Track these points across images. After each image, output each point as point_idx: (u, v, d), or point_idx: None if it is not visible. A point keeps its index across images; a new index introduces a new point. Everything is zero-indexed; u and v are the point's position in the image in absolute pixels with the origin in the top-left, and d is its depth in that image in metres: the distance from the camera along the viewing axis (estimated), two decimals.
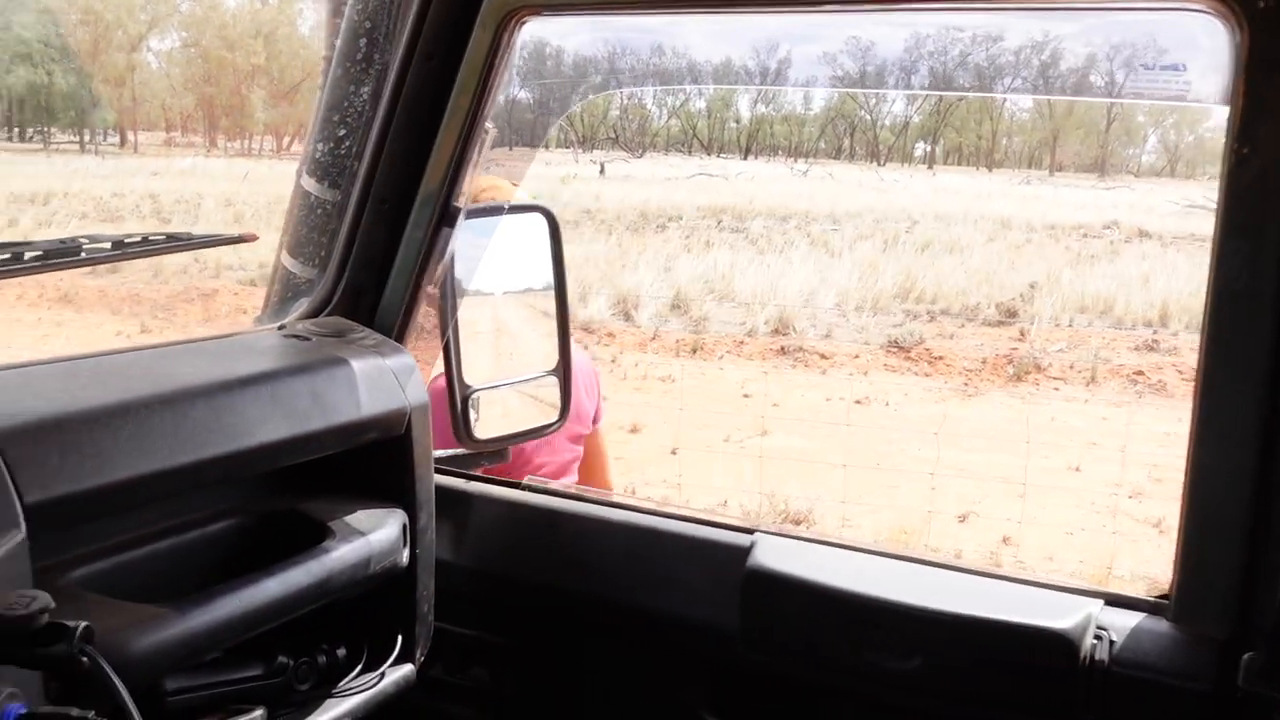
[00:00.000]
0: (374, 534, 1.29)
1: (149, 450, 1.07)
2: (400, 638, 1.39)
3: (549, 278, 1.77)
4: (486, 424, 1.71)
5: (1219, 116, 1.13)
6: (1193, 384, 1.19)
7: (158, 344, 1.33)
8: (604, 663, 1.62)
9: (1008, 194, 30.70)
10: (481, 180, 2.29)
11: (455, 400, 1.64)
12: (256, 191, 22.21)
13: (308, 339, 1.42)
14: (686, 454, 7.13)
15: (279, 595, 1.15)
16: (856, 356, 10.67)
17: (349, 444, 1.32)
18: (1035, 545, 5.98)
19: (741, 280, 13.82)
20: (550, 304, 1.79)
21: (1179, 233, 20.42)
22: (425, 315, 1.62)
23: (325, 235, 1.56)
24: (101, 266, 1.46)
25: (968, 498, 6.55)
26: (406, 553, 1.36)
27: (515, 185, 2.14)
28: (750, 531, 1.47)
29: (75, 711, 0.84)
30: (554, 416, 1.79)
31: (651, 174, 32.40)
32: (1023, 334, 11.58)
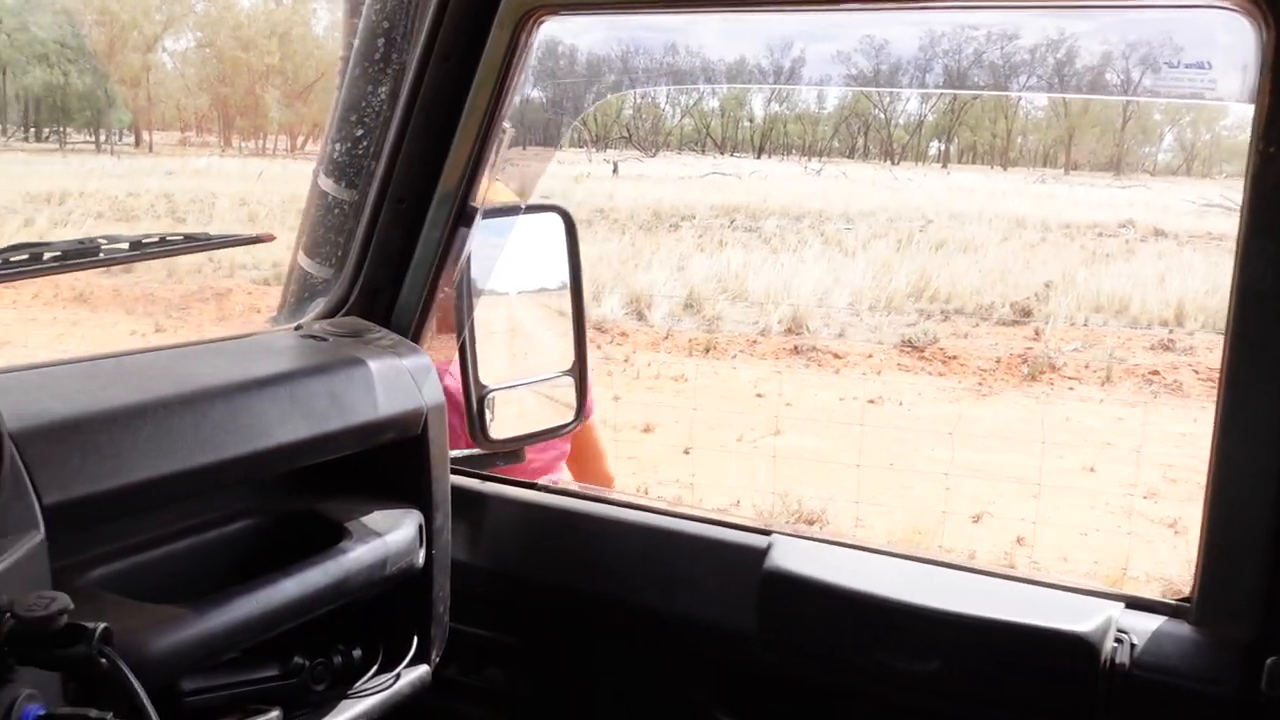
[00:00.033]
0: (390, 535, 1.29)
1: (168, 451, 1.07)
2: (416, 638, 1.39)
3: (565, 277, 1.77)
4: (501, 424, 1.71)
5: (1236, 114, 1.11)
6: (1215, 384, 1.18)
7: (176, 344, 1.33)
8: (619, 664, 1.61)
9: (1022, 193, 30.55)
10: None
11: (471, 400, 1.63)
12: (270, 191, 22.28)
13: (325, 339, 1.42)
14: (699, 454, 7.13)
15: (296, 596, 1.15)
16: (870, 356, 10.64)
17: (366, 444, 1.32)
18: (1049, 546, 5.95)
19: (755, 279, 13.79)
20: (566, 304, 1.79)
21: (1195, 231, 20.29)
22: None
23: (342, 235, 1.56)
24: (116, 266, 1.46)
25: (982, 498, 6.52)
26: (422, 553, 1.36)
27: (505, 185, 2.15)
28: (766, 533, 1.47)
29: (94, 713, 0.84)
30: (569, 417, 1.79)
31: (665, 173, 32.38)
32: (1037, 333, 11.52)
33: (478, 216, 1.54)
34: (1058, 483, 6.49)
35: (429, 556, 1.38)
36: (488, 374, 1.67)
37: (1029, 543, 5.99)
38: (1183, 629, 1.23)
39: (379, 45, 1.50)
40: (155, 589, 1.11)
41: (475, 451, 1.72)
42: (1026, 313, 12.41)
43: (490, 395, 1.68)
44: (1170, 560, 5.80)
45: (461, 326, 1.62)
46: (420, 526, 1.35)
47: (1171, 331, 11.84)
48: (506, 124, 1.52)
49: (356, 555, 1.23)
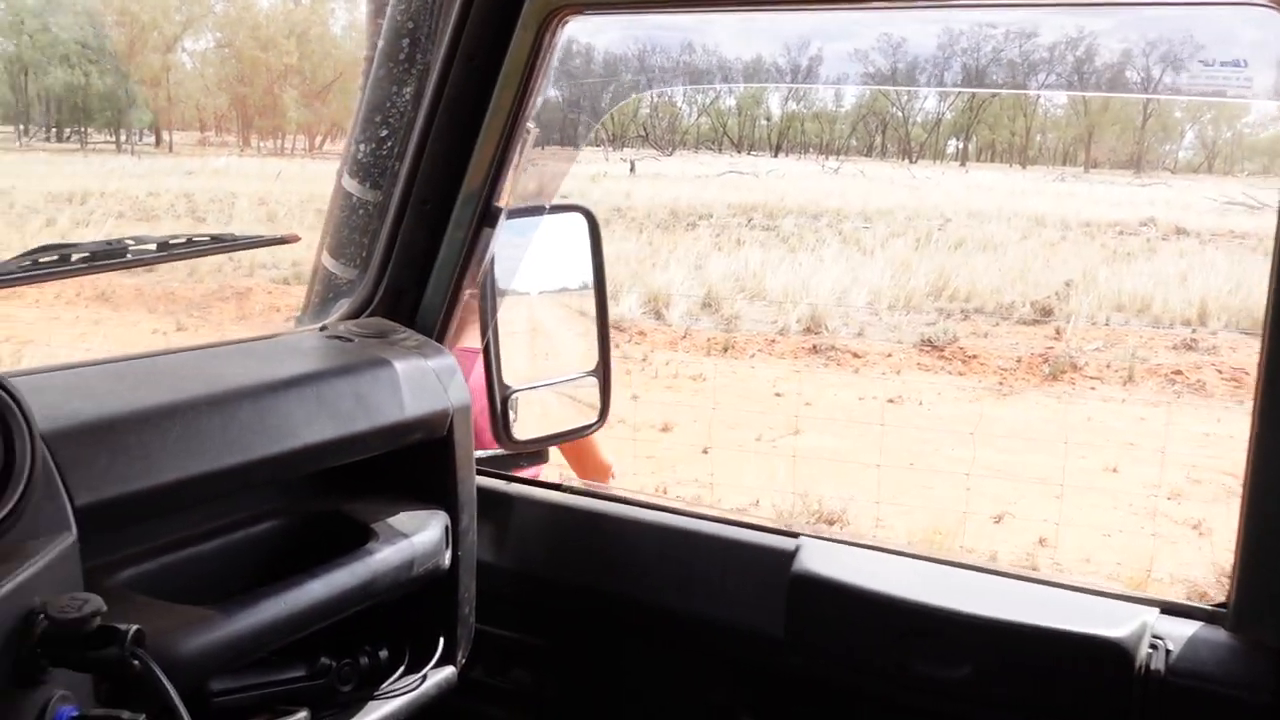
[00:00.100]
0: (417, 536, 1.29)
1: (197, 452, 1.08)
2: (442, 640, 1.39)
3: (588, 278, 1.77)
4: (524, 424, 1.70)
5: (1258, 111, 1.09)
6: (1238, 383, 1.16)
7: (204, 345, 1.33)
8: (644, 665, 1.61)
9: (1042, 191, 30.36)
10: None
11: (495, 401, 1.63)
12: (289, 190, 22.39)
13: (350, 340, 1.42)
14: (718, 453, 7.11)
15: (323, 597, 1.15)
16: (889, 355, 10.59)
17: (392, 445, 1.32)
18: (1072, 547, 5.91)
19: (772, 278, 13.75)
20: (589, 304, 1.78)
21: (1217, 230, 20.11)
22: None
23: (366, 236, 1.56)
24: (142, 267, 1.46)
25: (1003, 498, 6.48)
26: (448, 555, 1.36)
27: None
28: (794, 535, 1.46)
29: (126, 714, 0.85)
30: (593, 417, 1.78)
31: (682, 172, 32.34)
32: (1058, 333, 11.45)
33: (502, 217, 1.53)
34: (1080, 483, 6.45)
35: (455, 558, 1.38)
36: (511, 374, 1.66)
37: (1051, 544, 5.95)
38: (1219, 635, 1.21)
39: (403, 46, 1.50)
40: (183, 589, 1.11)
41: (498, 452, 1.72)
42: (1047, 312, 12.33)
43: (514, 396, 1.68)
44: (1195, 562, 5.75)
45: (486, 327, 1.62)
46: (446, 528, 1.35)
47: (1194, 331, 11.73)
48: (531, 124, 1.51)
49: (383, 556, 1.23)
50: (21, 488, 0.87)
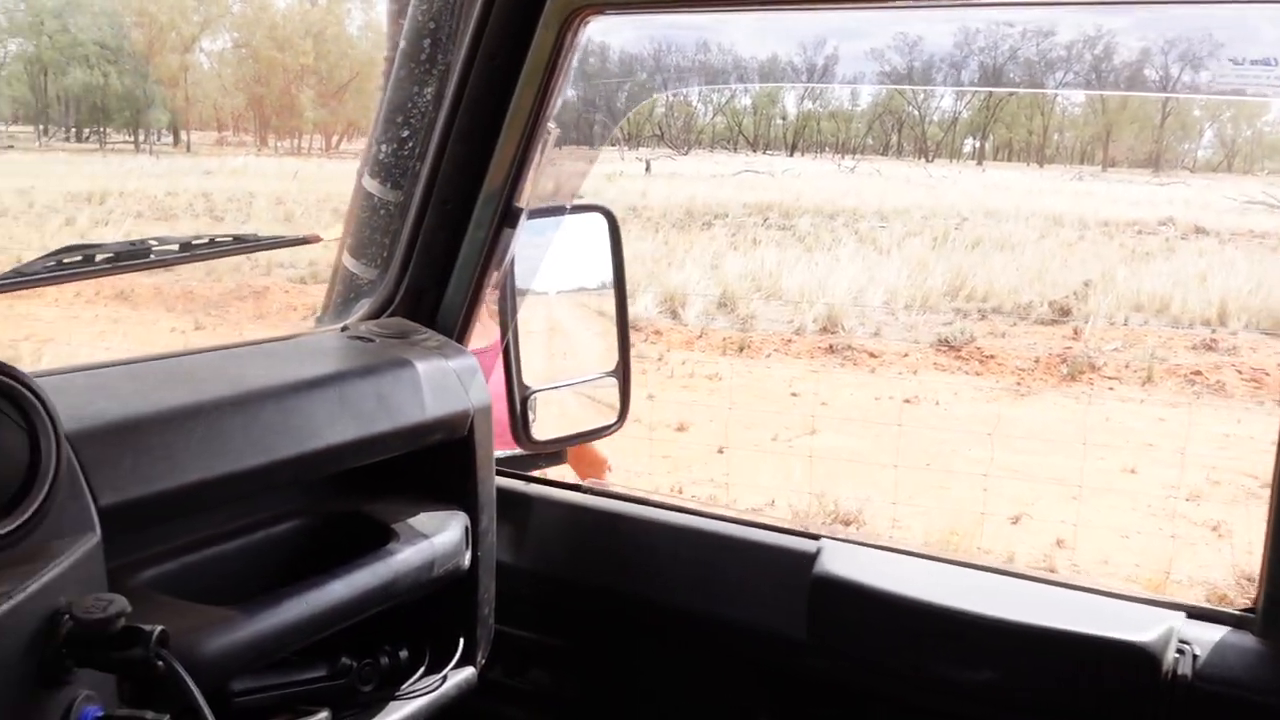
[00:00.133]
0: (437, 537, 1.29)
1: (220, 452, 1.08)
2: (462, 640, 1.39)
3: (608, 278, 1.76)
4: (543, 425, 1.70)
5: (1277, 109, 1.07)
6: (1259, 384, 1.15)
7: (226, 345, 1.33)
8: (663, 667, 1.60)
9: (1059, 190, 30.19)
10: None
11: (515, 401, 1.63)
12: (306, 190, 22.47)
13: (371, 340, 1.42)
14: (734, 453, 7.10)
15: (345, 598, 1.15)
16: (906, 355, 10.55)
17: (413, 446, 1.32)
18: (1090, 548, 5.87)
19: (789, 278, 13.72)
20: (609, 304, 1.78)
21: (1237, 229, 19.96)
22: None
23: (387, 236, 1.56)
24: (166, 268, 1.47)
25: (1020, 499, 6.45)
26: (469, 555, 1.36)
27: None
28: (815, 538, 1.45)
29: (150, 715, 0.85)
30: (612, 418, 1.78)
31: (697, 171, 32.30)
32: (1076, 332, 11.38)
33: (522, 217, 1.53)
34: (1098, 484, 6.41)
35: (474, 558, 1.38)
36: (531, 375, 1.66)
37: (1069, 545, 5.91)
38: (1246, 640, 1.20)
39: (424, 46, 1.50)
40: (205, 589, 1.11)
41: (517, 452, 1.72)
42: (1065, 312, 12.26)
43: (533, 396, 1.67)
44: (1214, 564, 5.71)
45: (505, 327, 1.62)
46: (466, 528, 1.35)
47: (1214, 331, 11.64)
48: (551, 124, 1.51)
49: (404, 557, 1.23)
50: (47, 488, 0.88)
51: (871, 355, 10.53)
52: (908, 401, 8.75)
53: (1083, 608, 1.28)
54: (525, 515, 1.65)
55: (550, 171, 1.58)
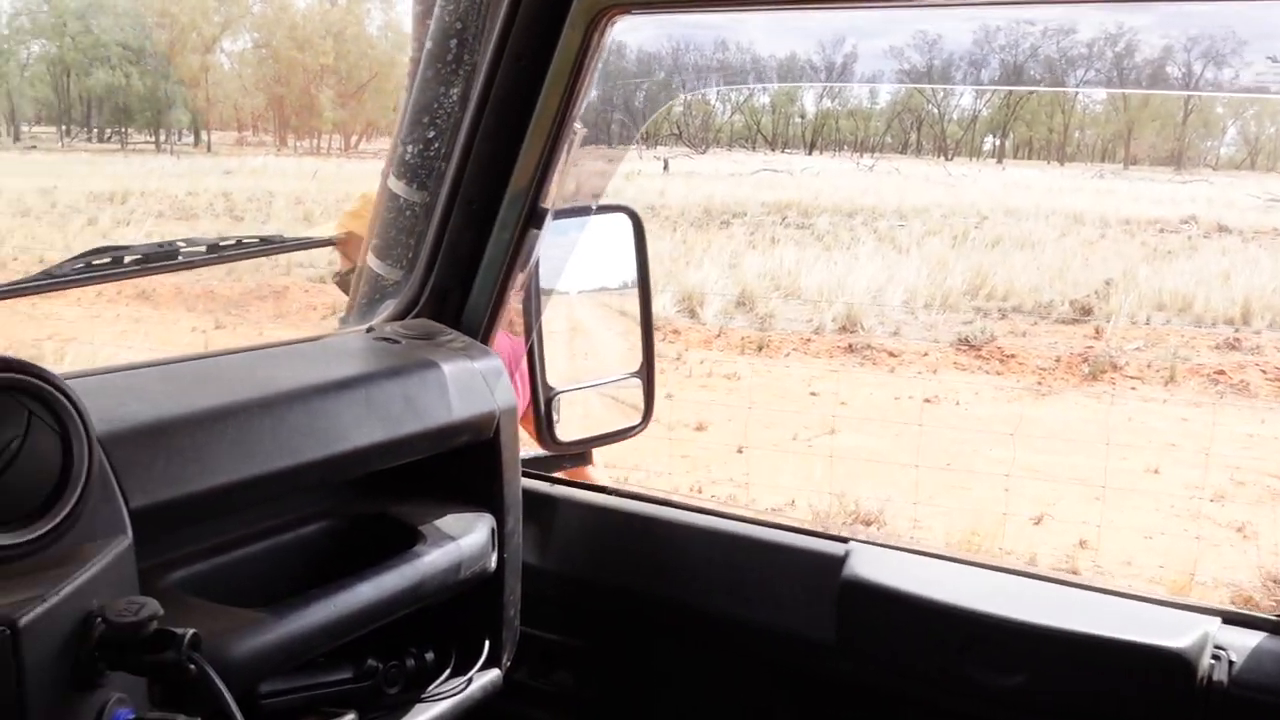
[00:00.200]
0: (464, 539, 1.28)
1: (249, 454, 1.08)
2: (487, 642, 1.38)
3: (632, 278, 1.76)
4: (567, 426, 1.70)
5: None
6: None
7: (253, 347, 1.33)
8: (689, 669, 1.60)
9: (1080, 188, 30.00)
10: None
11: (539, 402, 1.63)
12: (325, 190, 22.57)
13: (397, 342, 1.42)
14: (753, 453, 7.08)
15: (373, 600, 1.15)
16: (925, 354, 10.50)
17: (440, 448, 1.31)
18: (1113, 549, 5.83)
19: (807, 277, 13.69)
20: (633, 304, 1.77)
21: (1260, 227, 19.78)
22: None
23: (412, 237, 1.56)
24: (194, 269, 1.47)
25: (1042, 500, 6.41)
26: (495, 557, 1.35)
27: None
28: (844, 540, 1.44)
29: (181, 718, 0.85)
30: (636, 419, 1.77)
31: (715, 170, 32.28)
32: (1098, 332, 11.30)
33: (548, 217, 1.53)
34: (1121, 485, 6.36)
35: (500, 560, 1.37)
36: (555, 376, 1.66)
37: (1092, 546, 5.87)
38: None
39: (450, 46, 1.49)
40: (233, 591, 1.11)
41: (540, 453, 1.71)
42: (1086, 311, 12.17)
43: (557, 397, 1.67)
44: (1239, 565, 5.65)
45: (530, 328, 1.61)
46: (493, 530, 1.34)
47: (1238, 330, 11.54)
48: (578, 124, 1.50)
49: (431, 559, 1.23)
50: (79, 491, 0.88)
51: (891, 355, 10.48)
52: (928, 401, 8.71)
53: (1115, 612, 1.26)
54: (550, 517, 1.65)
55: (574, 172, 1.58)
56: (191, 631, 0.83)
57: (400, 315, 1.54)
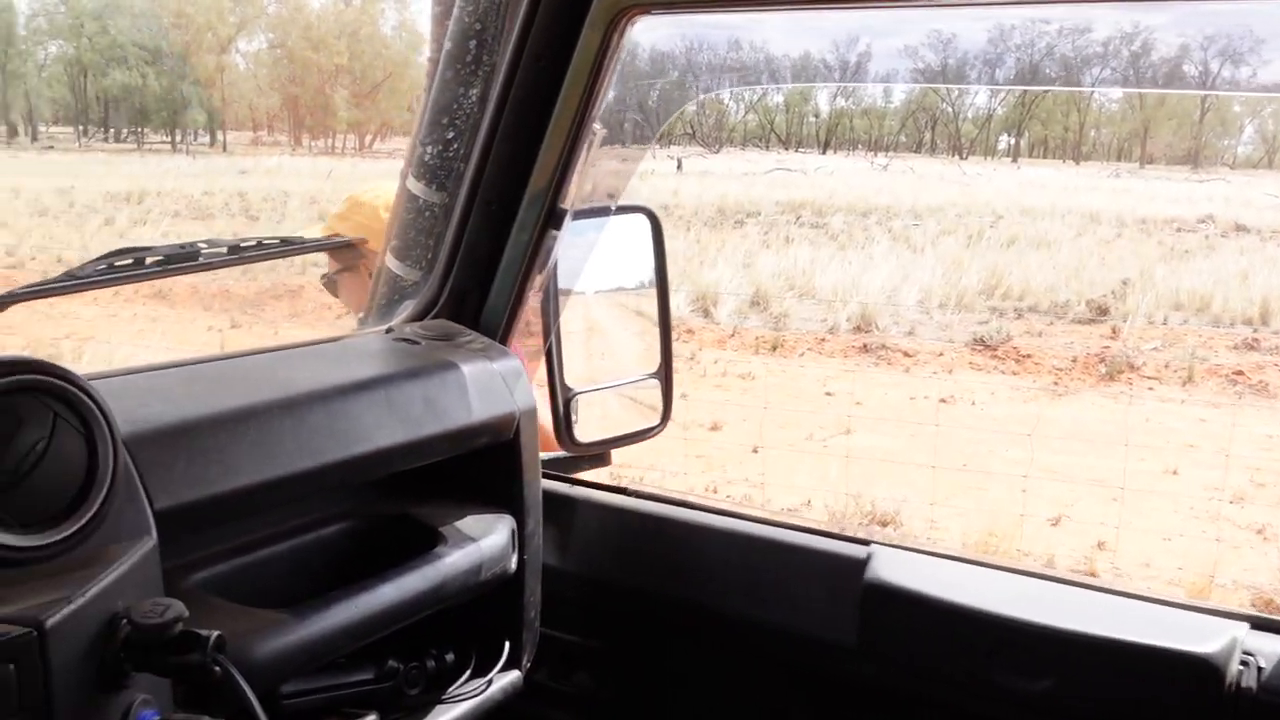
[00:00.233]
0: (485, 540, 1.28)
1: (271, 456, 1.08)
2: (507, 644, 1.38)
3: (650, 279, 1.75)
4: (585, 427, 1.69)
5: None
6: None
7: (273, 348, 1.33)
8: (709, 672, 1.59)
9: (1096, 187, 29.87)
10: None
11: (558, 403, 1.62)
12: (340, 189, 22.64)
13: (417, 343, 1.42)
14: (768, 453, 7.07)
15: (394, 601, 1.15)
16: (941, 354, 10.47)
17: (460, 449, 1.31)
18: (1131, 551, 5.80)
19: (822, 276, 13.66)
20: (651, 305, 1.77)
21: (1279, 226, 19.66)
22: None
23: (431, 238, 1.56)
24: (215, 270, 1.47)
25: (1059, 501, 6.37)
26: (515, 559, 1.35)
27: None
28: (865, 543, 1.43)
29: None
30: (654, 420, 1.77)
31: (729, 169, 32.27)
32: (1115, 332, 11.24)
33: (567, 218, 1.52)
34: (1139, 486, 6.33)
35: (520, 561, 1.37)
36: (574, 376, 1.65)
37: (1110, 548, 5.84)
38: None
39: (470, 47, 1.49)
40: (254, 591, 1.11)
41: (559, 454, 1.71)
42: (1103, 310, 12.11)
43: (575, 398, 1.66)
44: (1259, 568, 5.61)
45: (548, 329, 1.61)
46: (513, 531, 1.34)
47: (1256, 330, 11.46)
48: (597, 125, 1.50)
49: (452, 561, 1.22)
50: (104, 492, 0.88)
51: (906, 355, 10.45)
52: (943, 401, 8.68)
53: (1141, 617, 1.25)
54: (569, 518, 1.64)
55: (592, 172, 1.57)
56: (216, 634, 0.83)
57: (419, 316, 1.54)
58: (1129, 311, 11.96)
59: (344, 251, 2.36)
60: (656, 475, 6.20)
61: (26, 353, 0.90)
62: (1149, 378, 9.73)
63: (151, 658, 0.83)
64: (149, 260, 1.23)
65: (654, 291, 1.77)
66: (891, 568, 1.38)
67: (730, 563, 1.52)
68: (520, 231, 1.51)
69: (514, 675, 1.39)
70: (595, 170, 1.58)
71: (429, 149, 1.55)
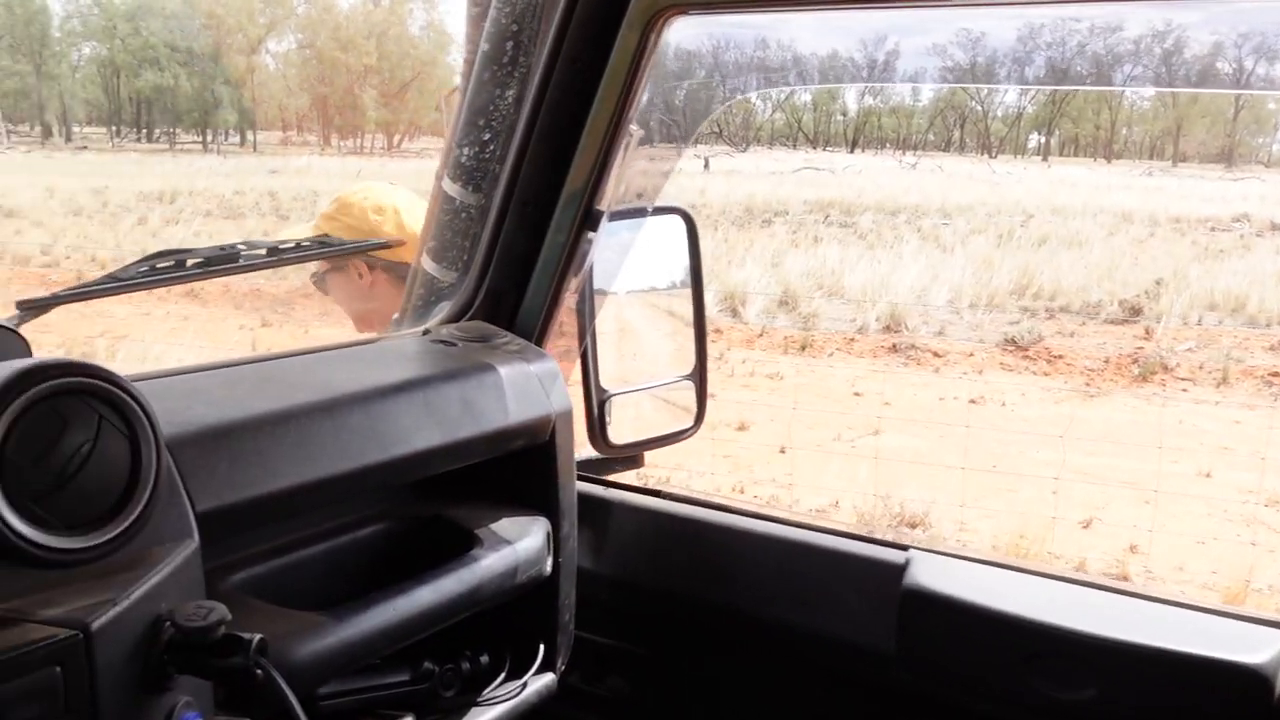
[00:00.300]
0: (521, 543, 1.28)
1: (310, 458, 1.08)
2: (542, 647, 1.38)
3: (685, 280, 1.75)
4: (619, 428, 1.69)
5: None
6: None
7: (311, 349, 1.34)
8: (743, 676, 1.58)
9: (1129, 186, 29.56)
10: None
11: (592, 405, 1.62)
12: None
13: (454, 344, 1.42)
14: (796, 453, 7.04)
15: (432, 604, 1.15)
16: (971, 355, 10.39)
17: (497, 452, 1.31)
18: (1164, 554, 5.73)
19: (850, 276, 13.59)
20: (685, 306, 1.76)
21: None
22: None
23: (467, 239, 1.56)
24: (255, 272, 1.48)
25: (1091, 503, 6.31)
26: (550, 561, 1.35)
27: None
28: (904, 548, 1.42)
29: None
30: (689, 422, 1.76)
31: (756, 168, 32.20)
32: (1148, 332, 11.12)
33: (603, 220, 1.52)
34: (1172, 488, 6.25)
35: (556, 564, 1.36)
36: (608, 378, 1.65)
37: (1143, 551, 5.77)
38: None
39: (507, 48, 1.49)
40: (291, 592, 1.12)
41: (593, 456, 1.71)
42: (1136, 311, 11.98)
43: (610, 400, 1.66)
44: None
45: (584, 330, 1.61)
46: (548, 534, 1.34)
47: None
48: (634, 126, 1.49)
49: (489, 563, 1.22)
50: (148, 495, 0.88)
51: (935, 355, 10.38)
52: (973, 402, 8.62)
53: (1187, 625, 1.23)
54: (604, 520, 1.64)
55: (628, 174, 1.56)
56: (259, 637, 0.83)
57: (455, 318, 1.54)
58: (1162, 312, 11.81)
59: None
60: (683, 475, 6.19)
61: (63, 351, 0.90)
62: (1183, 379, 9.61)
63: (195, 660, 0.83)
64: (190, 262, 1.24)
65: (689, 293, 1.76)
66: (930, 573, 1.36)
67: (766, 567, 1.51)
68: (556, 233, 1.50)
69: (548, 678, 1.38)
70: (631, 171, 1.57)
71: (465, 150, 1.55)
